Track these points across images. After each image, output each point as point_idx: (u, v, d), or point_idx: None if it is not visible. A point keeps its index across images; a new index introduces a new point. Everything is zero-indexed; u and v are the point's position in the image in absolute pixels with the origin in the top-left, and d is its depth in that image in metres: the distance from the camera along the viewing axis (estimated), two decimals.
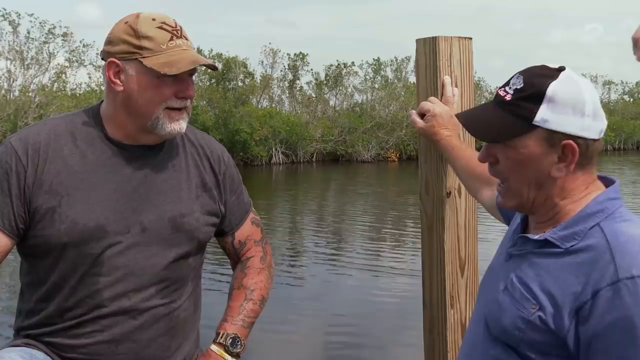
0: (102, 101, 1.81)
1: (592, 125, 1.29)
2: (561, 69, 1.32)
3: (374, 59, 44.79)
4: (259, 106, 39.85)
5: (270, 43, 67.83)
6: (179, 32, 1.71)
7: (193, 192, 1.80)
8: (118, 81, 1.69)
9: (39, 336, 1.74)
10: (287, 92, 42.54)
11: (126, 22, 1.70)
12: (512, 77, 1.35)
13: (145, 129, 1.71)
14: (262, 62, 46.26)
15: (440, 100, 1.94)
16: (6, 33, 30.13)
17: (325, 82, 42.92)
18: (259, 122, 36.17)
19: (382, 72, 44.22)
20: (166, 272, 1.75)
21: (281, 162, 37.67)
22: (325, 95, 43.32)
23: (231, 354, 1.83)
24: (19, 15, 30.28)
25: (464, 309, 2.02)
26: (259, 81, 40.54)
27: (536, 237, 1.33)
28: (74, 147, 1.70)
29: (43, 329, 1.73)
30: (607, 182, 1.38)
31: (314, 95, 43.04)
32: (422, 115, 1.94)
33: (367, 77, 44.31)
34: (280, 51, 42.31)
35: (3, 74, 29.89)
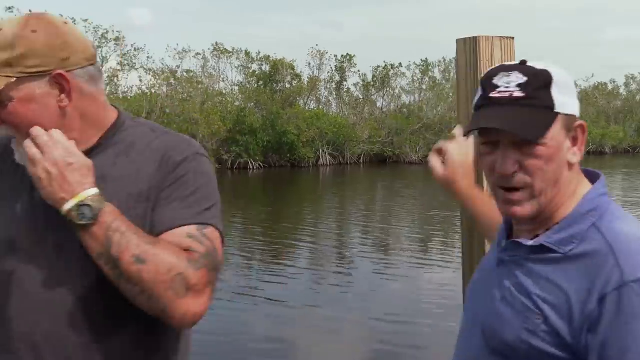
0: None
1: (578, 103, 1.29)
2: (524, 61, 1.28)
3: (421, 59, 44.66)
4: (307, 108, 40.03)
5: (317, 45, 68.13)
6: None
7: (123, 204, 1.44)
8: None
9: None
10: (335, 93, 42.65)
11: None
12: (493, 79, 1.27)
13: None
14: (310, 63, 46.54)
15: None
16: None
17: (372, 83, 42.86)
18: (306, 123, 36.33)
19: (430, 73, 43.95)
20: (84, 300, 1.41)
21: (328, 163, 37.74)
22: (372, 97, 43.27)
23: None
24: (74, 20, 31.03)
25: None
26: (306, 83, 40.73)
27: (530, 242, 1.26)
28: None
29: None
30: (592, 176, 1.32)
31: (361, 97, 43.02)
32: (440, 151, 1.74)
33: (415, 78, 44.09)
34: (327, 53, 42.59)
35: None
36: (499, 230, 1.41)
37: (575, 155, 1.26)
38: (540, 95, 1.23)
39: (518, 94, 1.23)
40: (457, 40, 2.01)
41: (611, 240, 1.19)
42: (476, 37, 1.96)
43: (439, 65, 43.96)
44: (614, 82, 57.55)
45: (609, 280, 1.15)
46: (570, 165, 1.26)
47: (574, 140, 1.26)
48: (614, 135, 48.12)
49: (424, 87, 43.93)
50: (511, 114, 1.22)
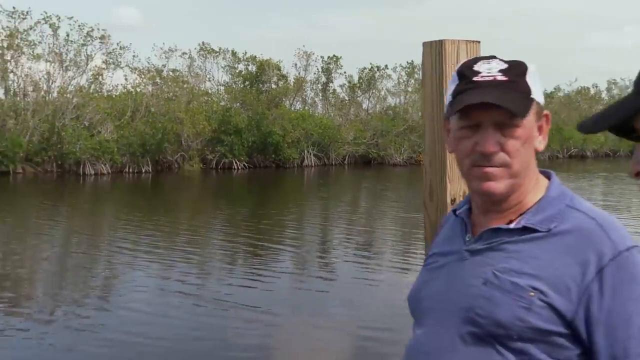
0: None
1: None
2: (493, 56, 1.36)
3: (407, 62, 44.63)
4: (292, 108, 39.99)
5: (304, 46, 67.85)
6: None
7: None
8: None
9: None
10: (321, 94, 42.62)
11: None
12: (473, 66, 1.32)
13: None
14: (296, 64, 46.47)
15: None
16: (46, 36, 30.82)
17: (358, 85, 42.90)
18: (291, 124, 36.28)
19: (416, 75, 43.98)
20: None
21: (313, 164, 37.72)
22: (358, 98, 43.31)
23: None
24: (59, 18, 30.81)
25: None
26: (292, 84, 40.68)
27: (512, 226, 1.30)
28: None
29: None
30: (543, 173, 1.39)
31: (347, 98, 43.04)
32: None
33: (401, 80, 44.17)
34: (314, 54, 42.51)
35: (42, 76, 30.57)
36: (446, 228, 1.46)
37: (541, 143, 1.34)
38: (519, 80, 1.30)
39: (501, 78, 1.30)
40: (424, 43, 2.01)
41: (594, 216, 1.26)
42: (442, 40, 1.96)
43: None
44: (597, 86, 58.03)
45: (603, 253, 1.21)
46: (536, 152, 1.33)
47: (540, 129, 1.34)
48: (595, 140, 48.55)
49: (409, 89, 44.06)
50: (498, 93, 1.28)
